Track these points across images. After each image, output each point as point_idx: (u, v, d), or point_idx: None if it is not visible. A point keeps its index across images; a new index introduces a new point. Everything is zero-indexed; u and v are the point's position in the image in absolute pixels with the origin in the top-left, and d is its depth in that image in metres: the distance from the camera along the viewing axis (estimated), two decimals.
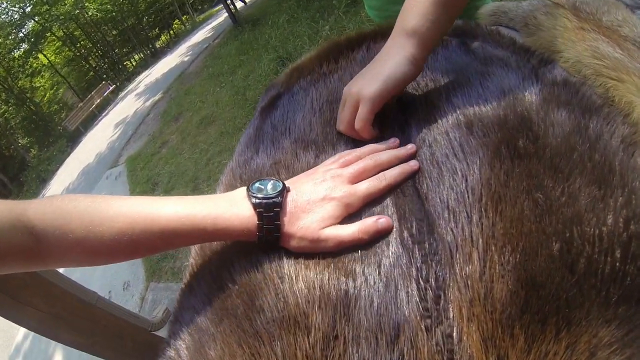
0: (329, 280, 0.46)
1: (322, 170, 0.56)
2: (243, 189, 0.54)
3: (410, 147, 0.56)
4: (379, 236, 0.49)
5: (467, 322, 0.40)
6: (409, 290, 0.43)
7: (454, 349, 0.40)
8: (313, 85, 0.74)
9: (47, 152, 19.28)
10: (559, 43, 0.68)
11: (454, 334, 0.40)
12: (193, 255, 0.61)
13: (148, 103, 10.74)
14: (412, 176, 0.54)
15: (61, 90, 26.65)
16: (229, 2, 9.95)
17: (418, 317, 0.42)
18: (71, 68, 26.65)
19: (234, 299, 0.50)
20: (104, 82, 22.84)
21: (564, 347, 0.39)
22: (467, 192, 0.47)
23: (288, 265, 0.49)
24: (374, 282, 0.45)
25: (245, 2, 12.69)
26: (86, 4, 23.28)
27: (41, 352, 4.41)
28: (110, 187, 7.07)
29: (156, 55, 23.53)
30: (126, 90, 18.66)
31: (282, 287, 0.48)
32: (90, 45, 26.67)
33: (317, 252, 0.50)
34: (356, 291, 0.45)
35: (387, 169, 0.55)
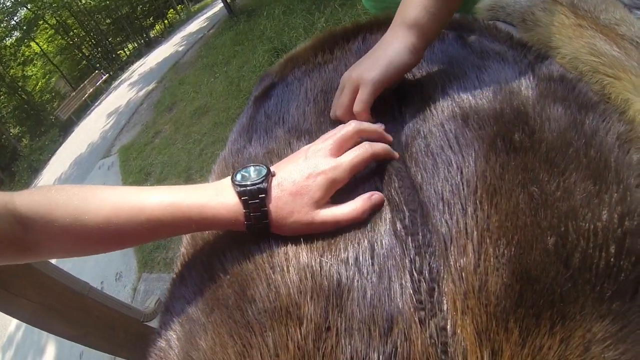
0: (321, 270, 0.46)
1: (304, 150, 0.55)
2: (229, 178, 0.53)
3: (389, 138, 0.57)
4: (372, 229, 0.48)
5: (461, 315, 0.40)
6: (403, 281, 0.43)
7: (448, 342, 0.40)
8: (307, 75, 0.73)
9: (39, 142, 19.09)
10: (556, 39, 0.67)
11: (448, 327, 0.40)
12: (184, 245, 0.60)
13: (141, 93, 10.65)
14: (393, 158, 0.54)
15: (53, 79, 26.37)
16: None
17: (412, 309, 0.41)
18: (64, 57, 26.33)
19: (225, 289, 0.49)
20: (97, 71, 22.54)
21: (558, 341, 0.38)
22: (462, 184, 0.47)
23: (279, 254, 0.49)
24: (367, 273, 0.45)
25: None
26: None
27: (34, 343, 4.38)
28: (103, 177, 7.02)
29: (150, 45, 23.32)
30: (119, 80, 18.47)
31: (273, 277, 0.47)
32: (84, 33, 26.36)
33: (312, 234, 0.49)
34: (349, 282, 0.44)
35: (369, 139, 0.55)
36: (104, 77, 21.29)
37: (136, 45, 27.01)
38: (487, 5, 0.87)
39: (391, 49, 0.60)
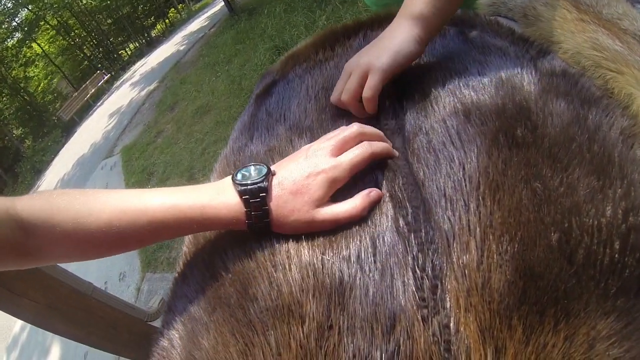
0: (323, 268, 0.46)
1: (304, 149, 0.55)
2: (229, 177, 0.53)
3: (390, 143, 0.56)
4: (374, 226, 0.48)
5: (464, 313, 0.40)
6: (405, 279, 0.43)
7: (451, 340, 0.39)
8: (309, 72, 0.73)
9: (42, 143, 19.12)
10: (558, 34, 0.67)
11: (451, 325, 0.40)
12: (186, 244, 0.60)
13: (143, 92, 10.66)
14: (394, 156, 0.54)
15: (55, 79, 26.38)
16: None
17: (414, 307, 0.41)
18: (65, 57, 26.36)
19: (227, 288, 0.49)
20: (98, 72, 22.60)
21: (563, 339, 0.38)
22: (465, 180, 0.47)
23: (281, 252, 0.49)
24: (370, 271, 0.44)
25: None
26: None
27: (38, 344, 4.40)
28: (106, 177, 7.04)
29: (151, 44, 23.32)
30: (121, 80, 18.51)
31: (275, 275, 0.47)
32: (85, 34, 26.37)
33: (313, 232, 0.49)
34: (351, 280, 0.44)
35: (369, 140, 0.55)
36: (106, 78, 21.33)
37: (137, 45, 27.04)
38: (488, 0, 0.86)
39: (399, 38, 0.61)
